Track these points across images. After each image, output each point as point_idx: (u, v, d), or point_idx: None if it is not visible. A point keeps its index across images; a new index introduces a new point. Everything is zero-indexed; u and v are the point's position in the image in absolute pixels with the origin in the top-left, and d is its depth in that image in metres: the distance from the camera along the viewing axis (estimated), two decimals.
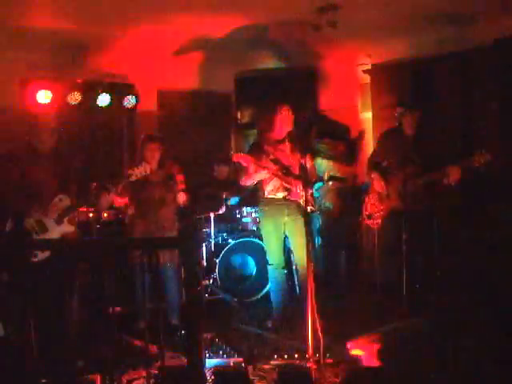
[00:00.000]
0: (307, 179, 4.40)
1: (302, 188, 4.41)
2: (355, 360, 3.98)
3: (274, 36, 6.03)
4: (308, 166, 4.54)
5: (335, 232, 5.99)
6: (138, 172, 4.38)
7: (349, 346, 4.17)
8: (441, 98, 5.85)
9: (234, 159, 4.60)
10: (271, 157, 4.64)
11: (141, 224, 4.80)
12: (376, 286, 5.44)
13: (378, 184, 5.07)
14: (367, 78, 6.72)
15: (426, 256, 4.90)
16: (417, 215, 4.79)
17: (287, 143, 4.72)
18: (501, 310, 4.36)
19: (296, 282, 5.21)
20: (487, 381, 3.48)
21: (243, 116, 7.13)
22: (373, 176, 5.11)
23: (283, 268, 4.80)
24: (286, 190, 4.65)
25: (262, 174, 4.62)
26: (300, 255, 4.55)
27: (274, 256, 4.78)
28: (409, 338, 4.09)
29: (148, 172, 4.45)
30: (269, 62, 6.87)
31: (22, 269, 3.68)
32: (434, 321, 4.32)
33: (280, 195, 4.68)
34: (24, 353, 3.51)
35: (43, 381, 3.49)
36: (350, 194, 6.13)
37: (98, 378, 3.46)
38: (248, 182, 4.75)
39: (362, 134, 6.60)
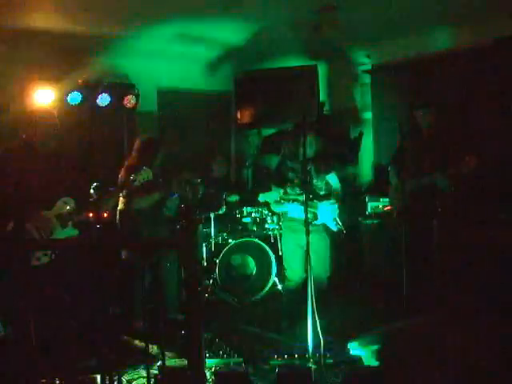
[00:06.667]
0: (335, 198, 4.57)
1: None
2: (355, 360, 3.98)
3: (275, 36, 6.04)
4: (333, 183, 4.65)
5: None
6: (141, 178, 4.35)
7: (349, 345, 4.17)
8: (441, 97, 5.85)
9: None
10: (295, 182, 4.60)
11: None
12: (376, 285, 5.44)
13: (392, 180, 5.08)
14: (367, 78, 6.73)
15: (427, 256, 4.89)
16: (417, 215, 4.79)
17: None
18: (501, 309, 4.36)
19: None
20: (487, 380, 3.48)
21: (243, 116, 7.11)
22: (390, 169, 5.13)
23: (301, 285, 4.60)
24: (312, 214, 4.54)
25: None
26: (319, 271, 4.48)
27: (295, 273, 4.67)
28: (409, 337, 4.09)
29: (151, 178, 4.42)
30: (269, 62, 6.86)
31: (23, 270, 3.68)
32: (435, 321, 4.32)
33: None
34: (24, 353, 3.51)
35: (43, 381, 3.49)
36: (350, 194, 6.13)
37: (98, 378, 3.46)
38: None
39: (361, 134, 6.60)
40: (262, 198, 4.78)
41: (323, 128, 6.35)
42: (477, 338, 3.86)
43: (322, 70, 6.98)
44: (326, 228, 4.66)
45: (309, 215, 4.50)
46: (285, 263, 4.83)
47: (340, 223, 4.69)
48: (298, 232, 4.53)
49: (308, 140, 4.44)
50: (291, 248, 4.70)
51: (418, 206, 4.83)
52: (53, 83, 5.73)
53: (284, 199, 4.61)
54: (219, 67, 6.94)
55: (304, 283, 4.58)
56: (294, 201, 4.59)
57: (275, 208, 4.79)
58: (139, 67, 6.48)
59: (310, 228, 4.36)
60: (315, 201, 4.56)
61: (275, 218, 5.96)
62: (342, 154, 6.37)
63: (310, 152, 4.48)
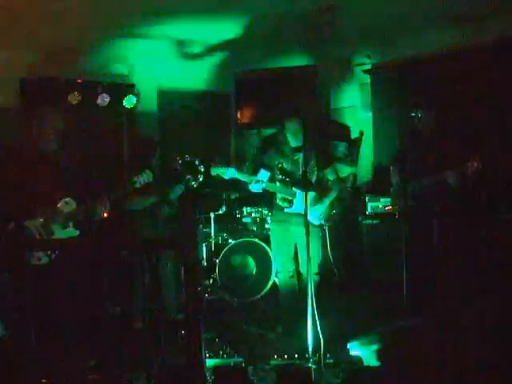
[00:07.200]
0: (323, 191, 4.52)
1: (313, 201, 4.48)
2: (355, 360, 3.98)
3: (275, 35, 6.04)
4: (328, 178, 4.61)
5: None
6: (142, 180, 4.34)
7: (349, 346, 4.17)
8: (441, 97, 5.84)
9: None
10: (280, 165, 4.56)
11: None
12: (376, 285, 5.43)
13: (394, 180, 5.07)
14: (367, 78, 6.73)
15: (427, 256, 4.89)
16: (419, 215, 4.78)
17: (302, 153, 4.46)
18: (501, 309, 4.36)
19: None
20: (487, 380, 3.48)
21: (243, 116, 7.13)
22: (391, 169, 5.11)
23: (291, 277, 4.67)
24: (287, 201, 4.57)
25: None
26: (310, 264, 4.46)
27: (283, 263, 4.67)
28: (409, 337, 4.09)
29: (151, 180, 4.40)
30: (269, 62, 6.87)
31: (22, 269, 3.68)
32: (434, 321, 4.32)
33: (281, 205, 4.60)
34: (24, 353, 3.51)
35: (43, 381, 3.49)
36: (350, 194, 6.13)
37: (98, 378, 3.47)
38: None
39: (361, 134, 6.60)
40: (214, 171, 4.62)
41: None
42: (477, 338, 3.86)
43: (321, 70, 7.03)
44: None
45: (284, 203, 4.57)
46: (273, 254, 4.85)
47: (324, 218, 4.64)
48: (283, 223, 4.61)
49: (293, 128, 4.45)
50: (277, 239, 4.70)
51: (419, 206, 4.82)
52: (53, 83, 5.74)
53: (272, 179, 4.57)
54: (219, 67, 6.94)
55: (292, 276, 4.64)
56: (281, 181, 4.54)
57: (253, 187, 4.56)
58: (139, 67, 6.48)
59: (295, 220, 4.46)
60: (294, 188, 4.52)
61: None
62: (342, 153, 6.36)
63: (296, 140, 4.50)
